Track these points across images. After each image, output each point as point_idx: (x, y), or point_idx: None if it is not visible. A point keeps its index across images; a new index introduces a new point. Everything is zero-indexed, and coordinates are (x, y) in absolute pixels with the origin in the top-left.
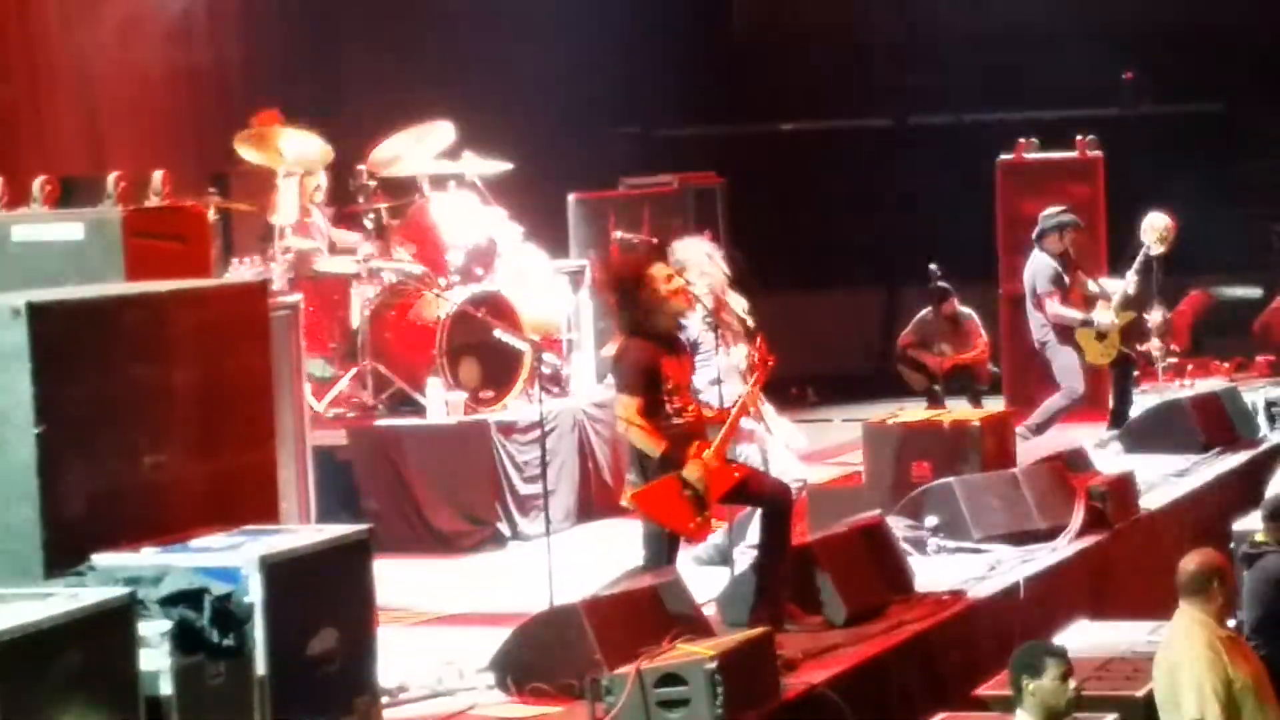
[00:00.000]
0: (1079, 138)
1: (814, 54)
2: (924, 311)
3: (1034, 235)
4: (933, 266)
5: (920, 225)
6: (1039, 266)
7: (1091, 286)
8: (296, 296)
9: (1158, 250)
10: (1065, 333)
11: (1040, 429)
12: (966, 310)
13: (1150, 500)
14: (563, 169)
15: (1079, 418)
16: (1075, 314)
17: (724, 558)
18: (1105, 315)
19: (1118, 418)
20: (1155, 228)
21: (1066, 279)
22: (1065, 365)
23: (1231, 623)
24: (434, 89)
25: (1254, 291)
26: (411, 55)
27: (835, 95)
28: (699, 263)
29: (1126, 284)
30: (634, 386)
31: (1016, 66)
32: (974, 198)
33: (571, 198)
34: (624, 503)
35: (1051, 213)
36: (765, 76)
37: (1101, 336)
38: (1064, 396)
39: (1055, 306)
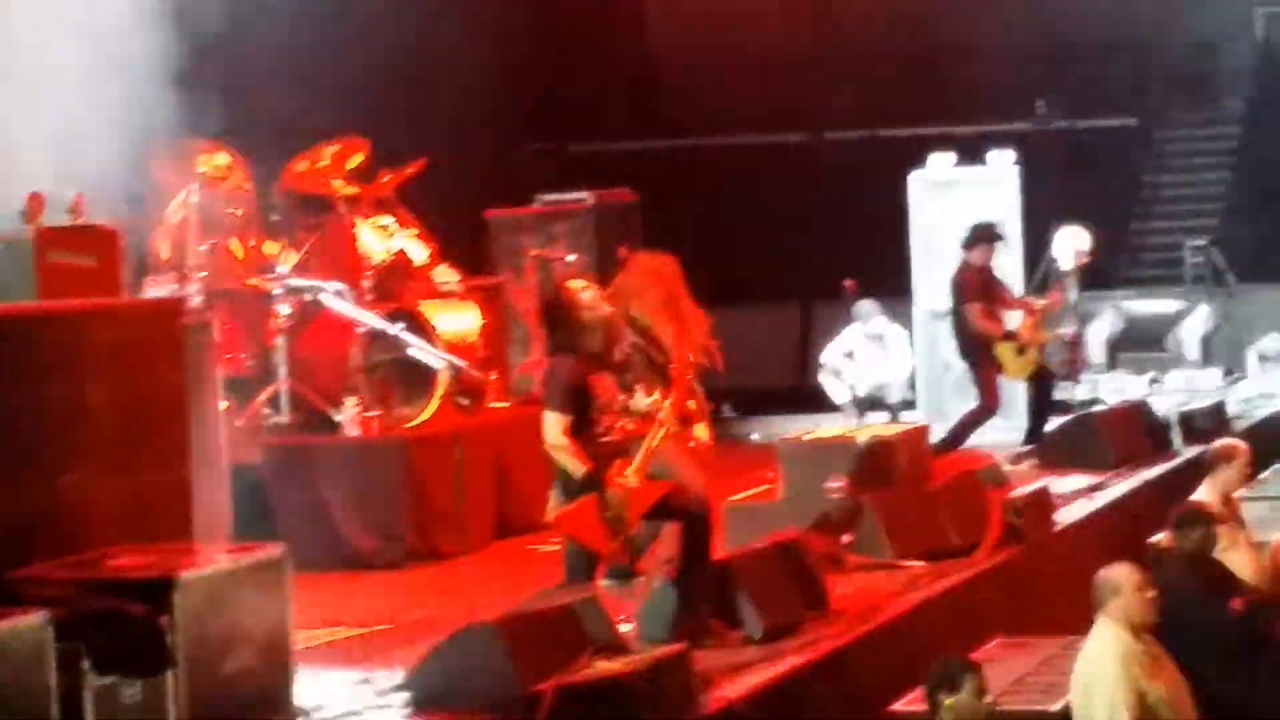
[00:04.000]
0: (993, 152)
1: (729, 70)
2: (851, 326)
3: (962, 244)
4: (847, 282)
5: (836, 240)
6: (964, 277)
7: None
8: (211, 314)
9: (1069, 265)
10: (985, 345)
11: (953, 443)
12: (894, 326)
13: (1066, 515)
14: (478, 186)
15: (996, 433)
16: (996, 327)
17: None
18: (1026, 329)
19: (1033, 433)
20: (1070, 243)
21: (990, 291)
22: (983, 379)
23: None
24: (348, 106)
25: (1168, 305)
26: (325, 72)
27: (751, 111)
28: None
29: (1050, 300)
30: (562, 405)
31: (931, 82)
32: (888, 213)
33: (487, 215)
34: (547, 521)
35: (981, 224)
36: (680, 93)
37: (1021, 351)
38: (979, 411)
39: (977, 318)
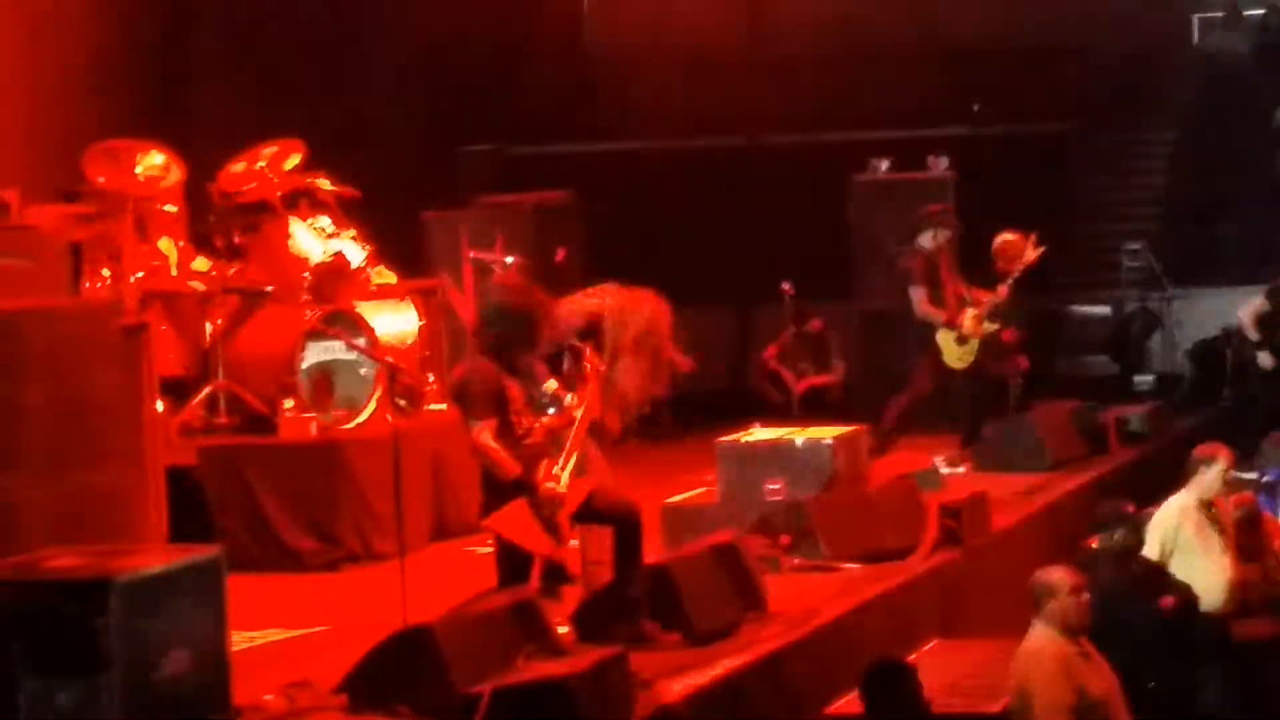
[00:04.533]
0: (930, 157)
1: (667, 73)
2: (790, 328)
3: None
4: (785, 286)
5: (773, 244)
6: (911, 262)
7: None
8: (147, 315)
9: (1010, 269)
10: (927, 332)
11: (891, 432)
12: (830, 333)
13: (1002, 518)
14: (415, 188)
15: (932, 433)
16: (939, 314)
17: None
18: (969, 321)
19: (970, 430)
20: (1007, 246)
21: (937, 278)
22: (918, 363)
23: None
24: (285, 108)
25: (1102, 310)
26: (262, 74)
27: (689, 114)
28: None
29: (996, 295)
30: (483, 410)
31: (868, 86)
32: (826, 217)
33: (424, 217)
34: (480, 525)
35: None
36: (618, 95)
37: (962, 341)
38: (909, 395)
39: (919, 303)
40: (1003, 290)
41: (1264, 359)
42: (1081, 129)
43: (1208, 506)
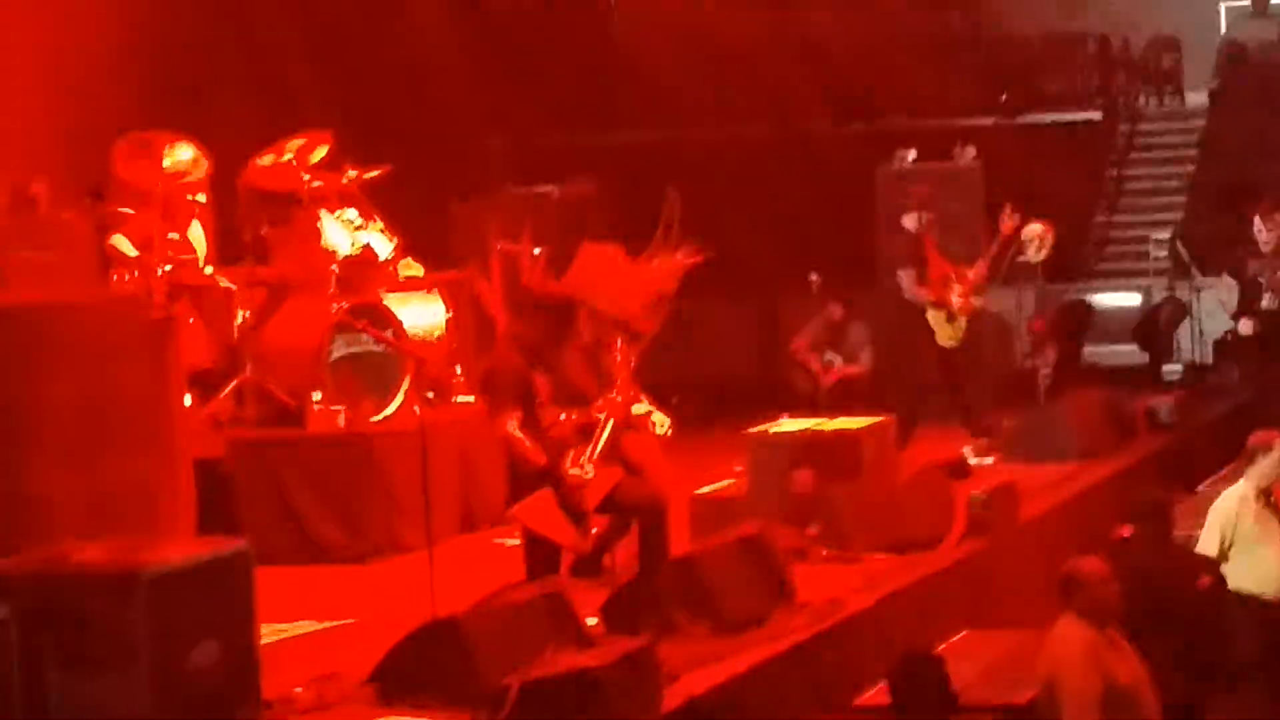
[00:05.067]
0: (957, 147)
1: (695, 62)
2: (818, 318)
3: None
4: (813, 276)
5: (801, 234)
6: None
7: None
8: (175, 308)
9: (1036, 258)
10: (916, 312)
11: (910, 420)
12: (857, 324)
13: (1031, 507)
14: (442, 180)
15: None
16: (926, 293)
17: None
18: (957, 298)
19: (969, 409)
20: (1033, 235)
21: (923, 258)
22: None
23: None
24: (310, 100)
25: (1131, 299)
26: (288, 66)
27: (715, 103)
28: None
29: (977, 271)
30: (510, 401)
31: (895, 76)
32: (854, 207)
33: (451, 208)
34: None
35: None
36: (646, 85)
37: (952, 319)
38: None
39: (909, 284)
40: (981, 266)
41: (1244, 325)
42: (1109, 118)
43: (1266, 495)
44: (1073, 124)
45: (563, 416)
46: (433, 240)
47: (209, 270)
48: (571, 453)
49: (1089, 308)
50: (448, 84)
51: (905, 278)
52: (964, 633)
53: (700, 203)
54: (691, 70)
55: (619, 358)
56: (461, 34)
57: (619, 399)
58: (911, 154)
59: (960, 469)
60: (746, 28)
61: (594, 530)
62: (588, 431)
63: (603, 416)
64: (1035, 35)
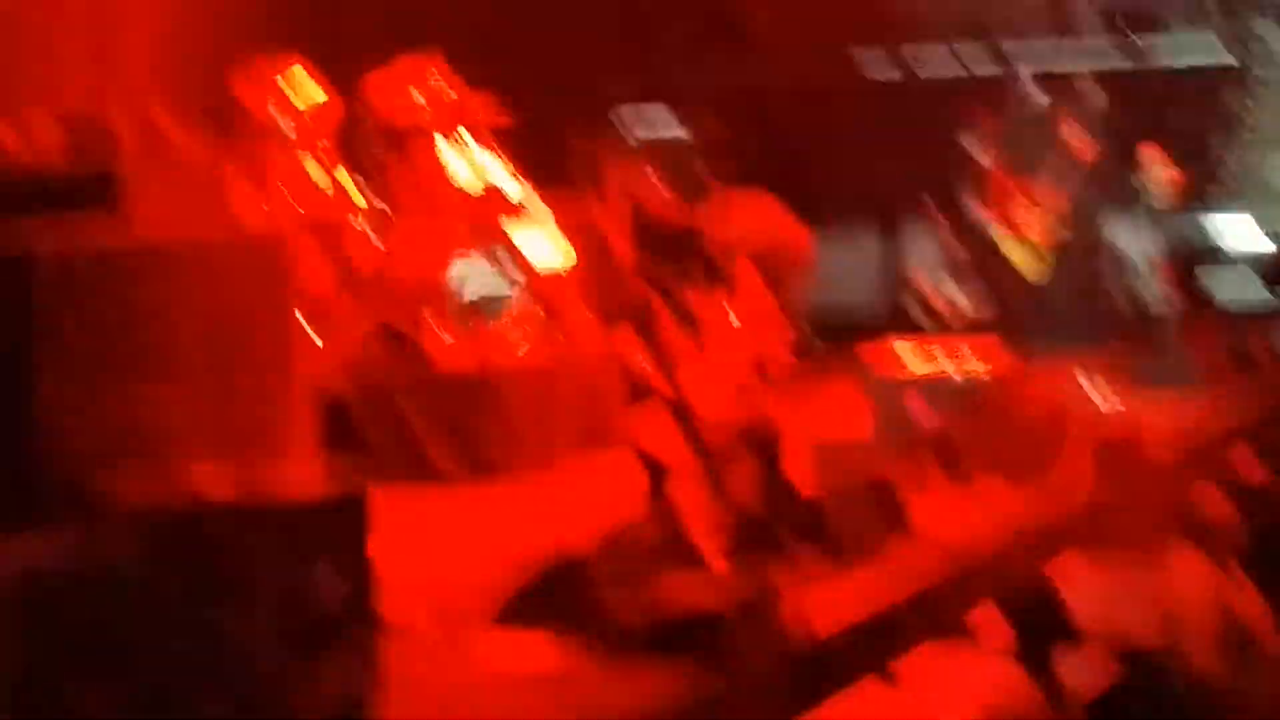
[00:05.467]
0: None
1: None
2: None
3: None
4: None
5: (919, 162)
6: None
7: None
8: (297, 241)
9: (1159, 193)
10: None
11: None
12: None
13: (1150, 436)
14: (563, 115)
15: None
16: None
17: None
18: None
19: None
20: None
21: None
22: None
23: None
24: (434, 25)
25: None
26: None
27: (837, 49)
28: None
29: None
30: (628, 322)
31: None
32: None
33: (575, 146)
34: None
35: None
36: (765, 28)
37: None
38: None
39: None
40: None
41: None
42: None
43: None
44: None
45: (682, 340)
46: (556, 178)
47: (331, 202)
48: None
49: (1213, 242)
50: (571, 19)
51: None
52: (1079, 561)
53: (816, 134)
54: (814, 12)
55: (740, 285)
56: None
57: (741, 326)
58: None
59: (1079, 396)
60: None
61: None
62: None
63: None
64: None
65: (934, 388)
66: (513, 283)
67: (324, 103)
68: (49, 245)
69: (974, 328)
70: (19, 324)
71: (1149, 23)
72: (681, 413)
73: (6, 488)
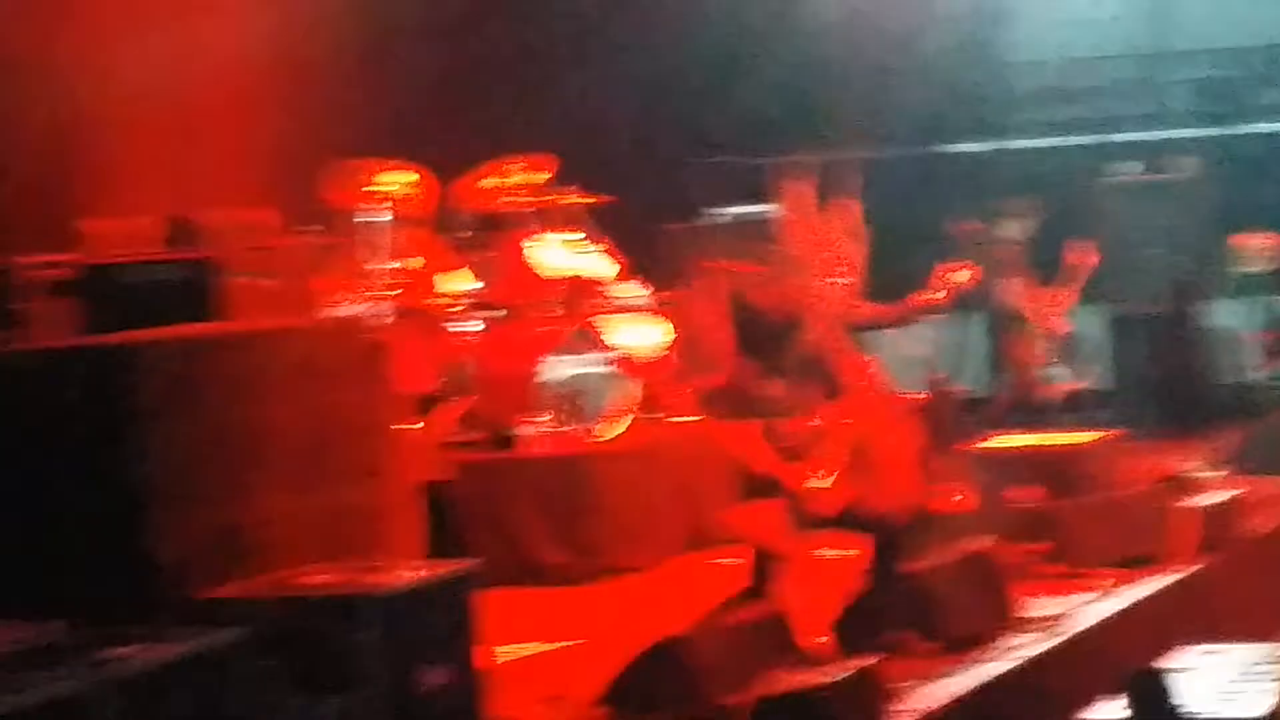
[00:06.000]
0: (1179, 158)
1: (899, 76)
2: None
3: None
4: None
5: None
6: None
7: None
8: (395, 332)
9: (1264, 269)
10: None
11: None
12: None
13: (1262, 521)
14: (652, 201)
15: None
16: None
17: None
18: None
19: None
20: (1257, 246)
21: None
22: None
23: None
24: (519, 126)
25: None
26: (495, 90)
27: (923, 119)
28: None
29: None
30: (749, 412)
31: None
32: (1073, 220)
33: (667, 228)
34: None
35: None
36: (849, 100)
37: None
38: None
39: (1008, 294)
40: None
41: None
42: None
43: None
44: None
45: (798, 428)
46: (649, 262)
47: (428, 293)
48: (806, 464)
49: None
50: (653, 105)
51: (1008, 288)
52: (1194, 649)
53: (914, 218)
54: (896, 84)
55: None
56: (658, 53)
57: (856, 405)
58: (1135, 167)
59: (1189, 482)
60: (950, 38)
61: (827, 551)
62: (825, 440)
63: (839, 427)
64: (1253, 45)
65: (1038, 464)
66: (611, 374)
67: (420, 193)
68: (151, 337)
69: (1078, 408)
70: (123, 412)
71: (1240, 92)
72: (798, 506)
73: (121, 591)
